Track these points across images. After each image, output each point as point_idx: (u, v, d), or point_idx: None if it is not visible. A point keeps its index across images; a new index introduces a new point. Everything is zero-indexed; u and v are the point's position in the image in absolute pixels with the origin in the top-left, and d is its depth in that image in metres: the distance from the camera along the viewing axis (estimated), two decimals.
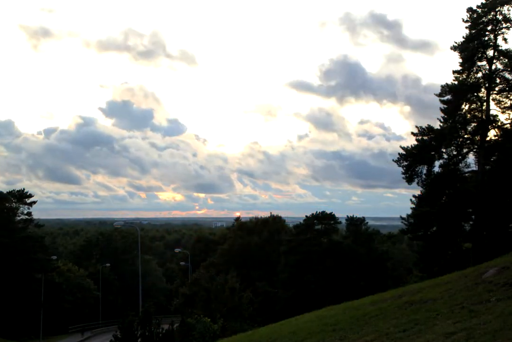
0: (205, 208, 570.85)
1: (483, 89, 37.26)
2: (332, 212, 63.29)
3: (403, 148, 39.27)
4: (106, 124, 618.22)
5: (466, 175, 38.82)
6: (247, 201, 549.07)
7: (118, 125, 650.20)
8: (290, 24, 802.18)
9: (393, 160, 39.59)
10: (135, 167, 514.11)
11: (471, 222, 38.57)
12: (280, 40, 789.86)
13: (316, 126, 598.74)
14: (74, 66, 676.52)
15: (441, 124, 38.37)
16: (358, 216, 66.56)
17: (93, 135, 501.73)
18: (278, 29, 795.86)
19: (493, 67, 36.88)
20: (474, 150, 38.10)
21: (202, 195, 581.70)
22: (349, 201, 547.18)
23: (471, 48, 36.89)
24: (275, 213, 75.10)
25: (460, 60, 37.64)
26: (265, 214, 77.62)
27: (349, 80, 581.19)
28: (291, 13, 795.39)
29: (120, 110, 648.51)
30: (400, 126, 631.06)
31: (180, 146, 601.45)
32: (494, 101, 37.24)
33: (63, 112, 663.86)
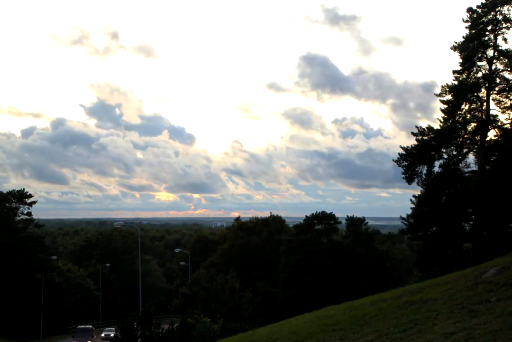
0: (200, 208, 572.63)
1: (483, 89, 37.26)
2: (332, 212, 63.41)
3: (403, 148, 39.29)
4: (89, 123, 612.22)
5: (466, 175, 38.82)
6: (242, 201, 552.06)
7: (100, 124, 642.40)
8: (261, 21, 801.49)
9: (393, 160, 39.65)
10: (125, 167, 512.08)
11: (471, 222, 38.57)
12: (253, 40, 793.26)
13: (300, 125, 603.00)
14: (30, 62, 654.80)
15: (441, 124, 38.38)
16: (357, 216, 66.70)
17: (77, 135, 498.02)
18: (248, 28, 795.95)
19: (493, 67, 36.89)
20: (474, 150, 38.10)
21: (196, 195, 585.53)
22: (344, 201, 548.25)
23: (471, 48, 36.89)
24: (270, 213, 75.26)
25: (460, 60, 37.65)
26: (261, 214, 77.84)
27: (326, 79, 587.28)
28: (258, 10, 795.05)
29: (100, 109, 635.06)
30: (382, 123, 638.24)
31: (169, 146, 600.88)
32: (494, 101, 37.25)
33: (38, 111, 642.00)
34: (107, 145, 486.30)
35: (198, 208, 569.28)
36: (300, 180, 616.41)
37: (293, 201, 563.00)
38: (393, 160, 39.61)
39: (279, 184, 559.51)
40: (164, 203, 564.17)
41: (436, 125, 38.92)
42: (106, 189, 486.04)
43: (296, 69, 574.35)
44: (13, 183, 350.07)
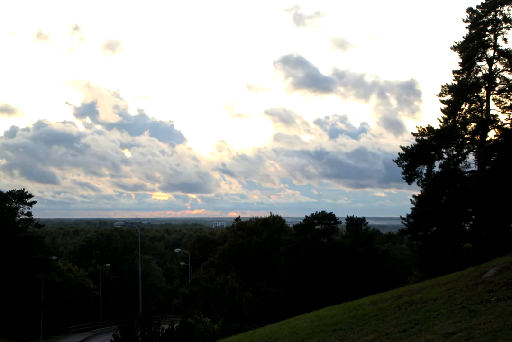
0: (197, 208, 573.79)
1: (483, 89, 37.24)
2: (332, 212, 63.37)
3: (403, 148, 39.29)
4: (76, 123, 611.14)
5: (466, 175, 38.81)
6: (238, 201, 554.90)
7: (87, 123, 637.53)
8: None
9: (393, 160, 39.61)
10: (115, 167, 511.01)
11: (471, 222, 38.55)
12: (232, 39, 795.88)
13: (288, 124, 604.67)
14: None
15: (441, 124, 38.39)
16: (356, 216, 66.59)
17: (63, 135, 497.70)
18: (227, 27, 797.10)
19: (493, 67, 36.88)
20: (474, 150, 38.09)
21: (192, 195, 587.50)
22: (340, 200, 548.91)
23: (471, 48, 36.89)
24: (267, 213, 75.29)
25: (460, 60, 37.64)
26: (258, 214, 78.00)
27: (306, 78, 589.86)
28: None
29: (85, 108, 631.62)
30: (367, 122, 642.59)
31: (162, 146, 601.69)
32: (494, 101, 37.23)
33: (23, 111, 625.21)
34: (93, 145, 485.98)
35: (194, 208, 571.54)
36: (295, 180, 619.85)
37: (289, 201, 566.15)
38: (393, 160, 39.61)
39: (274, 184, 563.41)
40: (160, 203, 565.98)
41: (431, 125, 39.03)
42: (101, 189, 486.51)
43: (278, 70, 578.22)
44: (3, 183, 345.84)
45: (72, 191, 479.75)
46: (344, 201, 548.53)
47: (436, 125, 38.88)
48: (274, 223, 71.56)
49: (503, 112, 37.34)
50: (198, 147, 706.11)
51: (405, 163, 38.88)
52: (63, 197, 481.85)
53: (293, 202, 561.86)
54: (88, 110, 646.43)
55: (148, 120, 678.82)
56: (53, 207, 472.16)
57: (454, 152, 38.36)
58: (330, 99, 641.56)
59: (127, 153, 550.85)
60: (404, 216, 40.28)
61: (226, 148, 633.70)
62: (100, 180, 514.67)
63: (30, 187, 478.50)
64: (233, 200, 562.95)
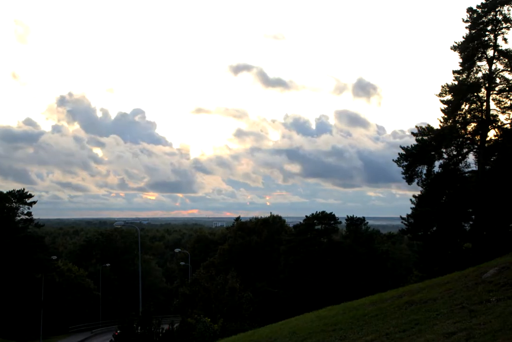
0: (189, 208, 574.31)
1: (483, 89, 37.25)
2: (332, 212, 63.40)
3: (403, 148, 39.29)
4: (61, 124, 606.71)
5: (466, 175, 38.81)
6: (228, 201, 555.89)
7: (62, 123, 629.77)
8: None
9: (393, 160, 39.62)
10: (101, 167, 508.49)
11: (471, 222, 38.56)
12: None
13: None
14: None
15: (441, 124, 38.38)
16: (355, 215, 66.57)
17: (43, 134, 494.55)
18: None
19: (493, 67, 36.89)
20: (474, 150, 38.09)
21: (180, 195, 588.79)
22: (330, 199, 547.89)
23: (471, 48, 36.89)
24: (262, 213, 75.40)
25: (460, 60, 37.64)
26: (252, 214, 78.28)
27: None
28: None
29: (56, 107, 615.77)
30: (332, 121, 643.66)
31: (154, 147, 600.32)
32: (494, 101, 37.23)
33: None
34: (63, 143, 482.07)
35: (187, 208, 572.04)
36: (285, 180, 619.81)
37: (279, 201, 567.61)
38: (393, 160, 39.63)
39: (262, 184, 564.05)
40: (151, 203, 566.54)
41: (435, 125, 39.02)
42: (87, 189, 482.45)
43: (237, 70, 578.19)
44: None
45: (55, 190, 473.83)
46: (335, 201, 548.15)
47: (436, 125, 38.95)
48: (274, 223, 71.57)
49: (503, 112, 37.35)
50: (175, 146, 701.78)
51: (405, 163, 38.89)
52: (47, 197, 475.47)
53: (285, 202, 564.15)
54: (55, 109, 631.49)
55: (116, 118, 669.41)
56: (44, 207, 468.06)
57: (454, 152, 38.37)
58: (294, 97, 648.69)
59: (127, 155, 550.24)
60: (397, 215, 40.45)
61: (226, 150, 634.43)
62: (83, 180, 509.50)
63: (11, 187, 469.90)
64: (223, 200, 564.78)
